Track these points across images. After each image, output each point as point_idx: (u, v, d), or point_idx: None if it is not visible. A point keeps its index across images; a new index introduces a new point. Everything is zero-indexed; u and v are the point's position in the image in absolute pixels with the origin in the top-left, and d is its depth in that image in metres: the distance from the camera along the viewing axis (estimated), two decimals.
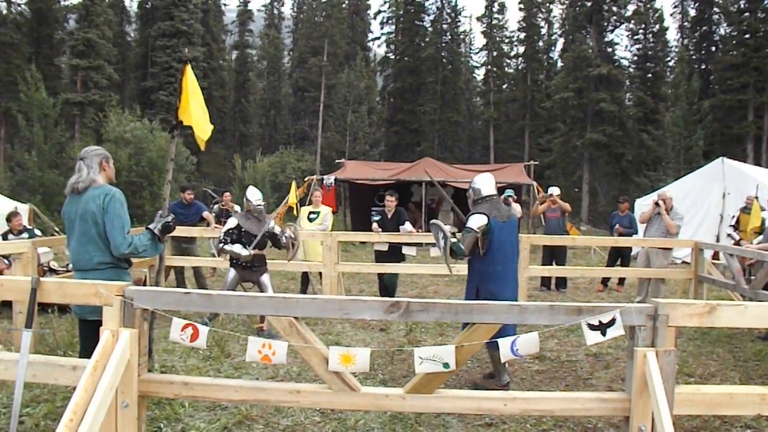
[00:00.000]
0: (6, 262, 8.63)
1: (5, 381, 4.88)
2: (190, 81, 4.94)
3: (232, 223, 7.77)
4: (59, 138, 28.27)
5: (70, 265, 10.47)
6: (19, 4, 39.19)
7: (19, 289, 3.65)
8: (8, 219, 9.73)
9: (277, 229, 7.80)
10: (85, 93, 34.69)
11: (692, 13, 41.22)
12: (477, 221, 5.50)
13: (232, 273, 7.73)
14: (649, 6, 39.48)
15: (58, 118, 28.67)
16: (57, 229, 14.27)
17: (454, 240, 5.50)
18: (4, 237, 9.53)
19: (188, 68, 4.96)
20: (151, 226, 4.34)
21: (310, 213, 10.22)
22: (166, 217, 4.49)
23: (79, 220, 4.12)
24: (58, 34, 38.88)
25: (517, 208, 12.33)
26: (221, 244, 7.61)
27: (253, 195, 7.96)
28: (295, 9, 53.45)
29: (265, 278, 7.79)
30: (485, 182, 5.86)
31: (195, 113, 4.98)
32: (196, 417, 4.70)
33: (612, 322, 3.33)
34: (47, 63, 38.12)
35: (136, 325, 3.36)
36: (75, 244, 4.18)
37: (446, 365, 3.33)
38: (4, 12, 38.33)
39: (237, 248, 7.48)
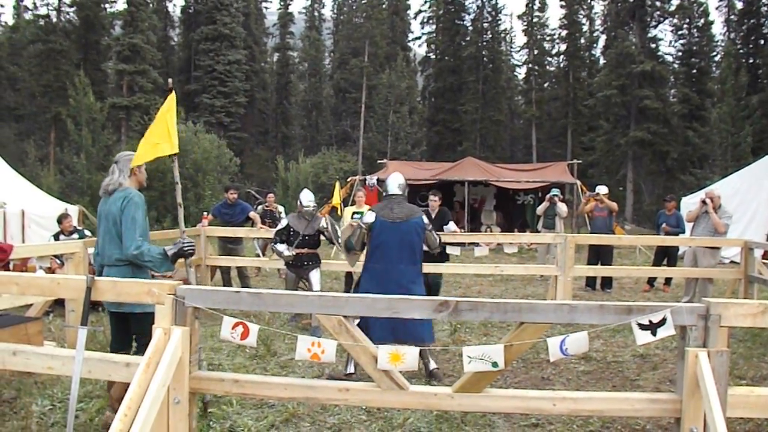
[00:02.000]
0: (58, 261, 8.85)
1: (59, 376, 5.02)
2: (170, 108, 5.16)
3: (283, 223, 8.15)
4: (106, 141, 28.88)
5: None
6: (67, 12, 40.20)
7: (74, 288, 3.74)
8: (59, 220, 9.99)
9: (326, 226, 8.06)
10: (131, 97, 35.43)
11: (739, 5, 40.19)
12: (366, 218, 5.86)
13: (289, 274, 8.17)
14: (693, 0, 38.65)
15: (105, 122, 29.30)
16: None
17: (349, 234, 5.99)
18: (56, 238, 9.77)
19: (172, 96, 5.20)
20: (167, 248, 4.47)
21: (354, 213, 10.26)
22: (184, 243, 4.59)
23: (104, 220, 4.49)
24: (104, 40, 39.79)
25: (563, 207, 12.20)
26: (273, 244, 8.04)
27: (305, 197, 8.29)
28: (336, 11, 53.72)
29: (312, 275, 8.06)
30: (392, 181, 6.13)
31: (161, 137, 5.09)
32: (244, 414, 4.76)
33: (662, 322, 3.27)
34: (94, 68, 39.08)
35: (188, 323, 3.42)
36: (100, 241, 4.56)
37: (495, 364, 3.32)
38: (54, 20, 39.34)
39: (281, 248, 7.86)
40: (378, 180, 20.51)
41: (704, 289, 9.26)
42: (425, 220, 5.93)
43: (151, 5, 40.29)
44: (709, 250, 9.33)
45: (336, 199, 15.03)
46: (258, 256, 11.97)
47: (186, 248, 4.56)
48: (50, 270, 8.97)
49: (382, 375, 3.44)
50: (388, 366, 3.38)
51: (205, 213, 10.93)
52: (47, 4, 39.94)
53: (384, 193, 6.16)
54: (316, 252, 8.15)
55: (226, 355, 6.55)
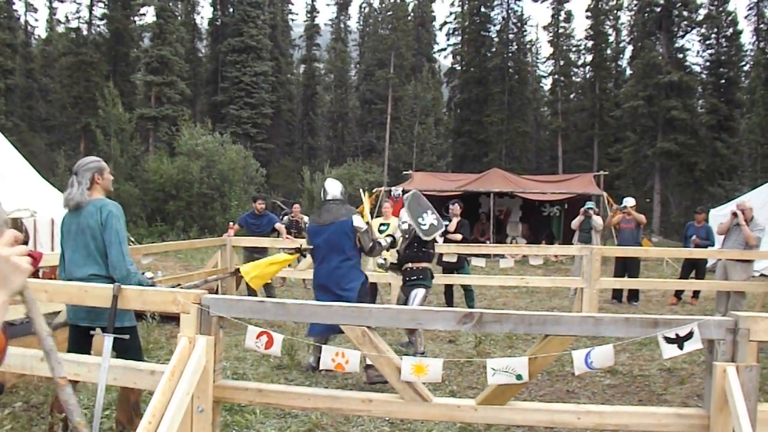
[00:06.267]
0: None
1: (85, 383, 5.07)
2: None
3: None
4: (134, 151, 29.19)
5: (146, 274, 10.84)
6: (98, 25, 40.90)
7: (101, 296, 3.78)
8: None
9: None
10: (159, 108, 35.87)
11: None
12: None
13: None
14: (721, 9, 38.15)
15: (133, 133, 29.62)
16: (132, 239, 14.72)
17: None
18: None
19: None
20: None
21: (381, 224, 10.25)
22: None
23: (74, 235, 4.19)
24: (133, 52, 40.35)
25: (598, 220, 12.02)
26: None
27: None
28: (361, 22, 54.00)
29: (411, 294, 7.13)
30: (329, 187, 6.62)
31: None
32: (267, 424, 4.77)
33: (689, 336, 3.22)
34: (123, 80, 39.69)
35: (213, 332, 3.44)
36: (71, 255, 4.24)
37: (519, 377, 3.30)
38: (85, 33, 40.06)
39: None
40: (403, 191, 20.53)
41: (736, 304, 9.08)
42: (356, 222, 6.25)
43: (179, 18, 40.77)
44: (741, 264, 9.15)
45: (365, 210, 15.05)
46: None
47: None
48: None
49: (405, 386, 3.42)
50: (412, 377, 3.37)
51: (232, 223, 11.00)
52: (78, 18, 40.73)
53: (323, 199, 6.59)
54: (423, 267, 7.23)
55: (250, 364, 6.58)
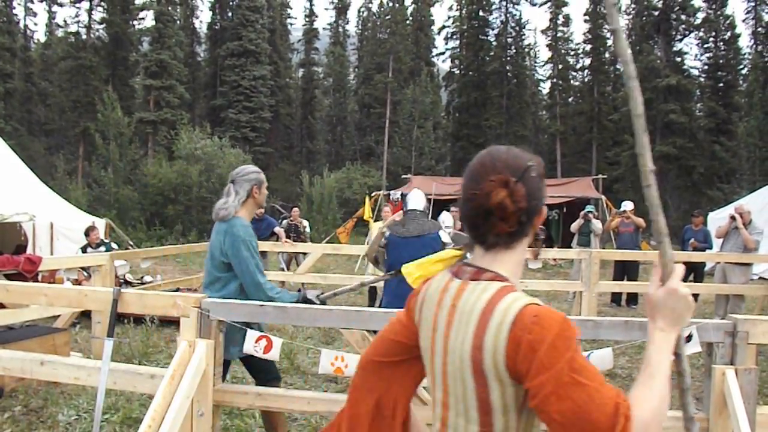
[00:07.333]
0: (85, 273, 8.96)
1: (85, 387, 5.07)
2: None
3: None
4: (133, 155, 29.21)
5: (146, 278, 10.86)
6: (97, 30, 40.93)
7: (101, 300, 3.78)
8: (86, 233, 10.14)
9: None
10: (158, 112, 35.87)
11: (766, 18, 39.66)
12: (387, 232, 5.96)
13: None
14: (719, 13, 38.24)
15: (132, 137, 29.64)
16: (131, 243, 14.73)
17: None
18: (83, 250, 9.91)
19: None
20: (310, 296, 3.95)
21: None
22: (319, 295, 4.01)
23: (211, 244, 4.03)
24: (132, 56, 40.41)
25: (598, 224, 12.03)
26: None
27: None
28: (360, 26, 54.03)
29: None
30: (412, 197, 6.17)
31: None
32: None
33: (688, 339, 3.21)
34: (122, 84, 39.78)
35: (213, 336, 3.44)
36: (206, 262, 4.10)
37: None
38: (84, 37, 40.09)
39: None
40: (402, 195, 20.53)
41: (736, 308, 9.08)
42: (444, 237, 5.78)
43: (178, 22, 40.80)
44: (739, 267, 9.15)
45: (368, 213, 15.11)
46: (282, 270, 12.01)
47: (313, 299, 3.92)
48: (77, 282, 9.10)
49: None
50: None
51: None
52: (78, 22, 40.73)
53: (404, 209, 6.16)
54: None
55: None
